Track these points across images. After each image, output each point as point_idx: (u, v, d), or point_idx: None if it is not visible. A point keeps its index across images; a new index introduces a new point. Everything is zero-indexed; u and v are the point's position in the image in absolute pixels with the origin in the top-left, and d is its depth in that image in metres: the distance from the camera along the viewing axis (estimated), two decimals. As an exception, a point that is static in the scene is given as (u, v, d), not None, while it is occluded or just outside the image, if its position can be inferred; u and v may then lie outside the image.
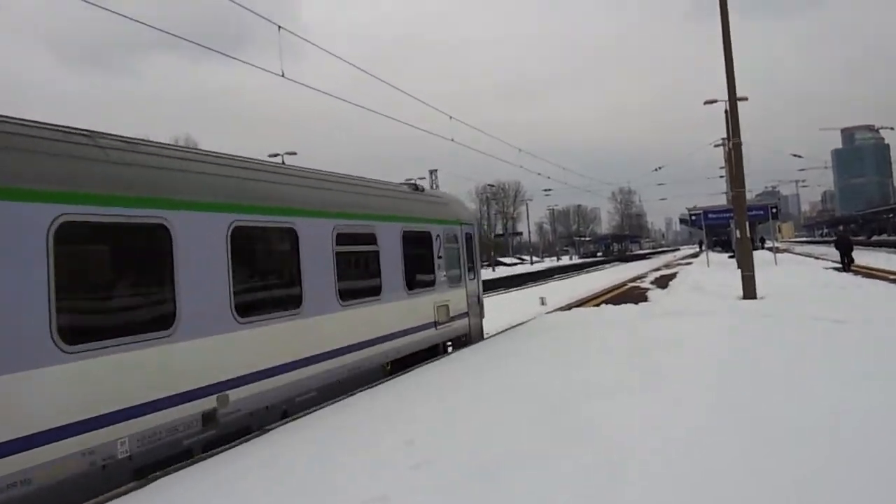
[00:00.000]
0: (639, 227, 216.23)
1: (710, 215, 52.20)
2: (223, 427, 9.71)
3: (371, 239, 13.96)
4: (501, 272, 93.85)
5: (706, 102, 45.48)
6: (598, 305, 27.83)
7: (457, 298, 17.60)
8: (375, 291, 13.90)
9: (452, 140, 33.01)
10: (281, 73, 16.89)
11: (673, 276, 47.30)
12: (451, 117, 31.25)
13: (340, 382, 12.41)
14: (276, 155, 73.47)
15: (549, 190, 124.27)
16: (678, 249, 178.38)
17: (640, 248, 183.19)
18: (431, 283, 16.35)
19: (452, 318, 17.18)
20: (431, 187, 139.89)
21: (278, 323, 10.94)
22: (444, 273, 17.00)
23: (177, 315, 9.10)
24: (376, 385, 12.76)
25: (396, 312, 14.53)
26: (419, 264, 16.19)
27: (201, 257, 9.63)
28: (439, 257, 16.82)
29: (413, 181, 17.70)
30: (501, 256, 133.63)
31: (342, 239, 12.87)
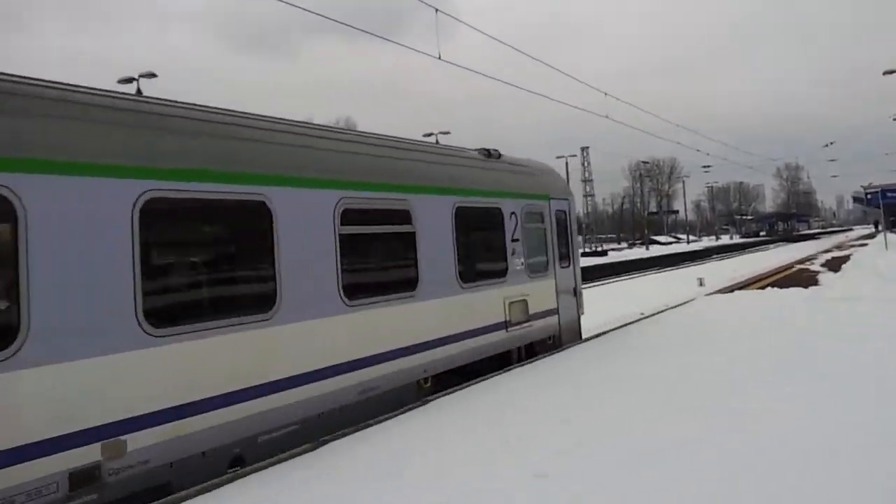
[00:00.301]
0: (807, 206, 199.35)
1: (888, 193, 45.85)
2: (114, 488, 6.54)
3: (403, 216, 10.44)
4: (655, 251, 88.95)
5: (886, 73, 39.05)
6: (762, 288, 24.97)
7: (540, 291, 13.77)
8: (408, 285, 10.39)
9: (607, 117, 32.80)
10: (437, 56, 16.51)
11: (846, 258, 41.80)
12: (605, 94, 30.83)
13: (343, 409, 9.03)
14: (430, 134, 72.27)
15: (709, 167, 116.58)
16: (851, 230, 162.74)
17: (809, 228, 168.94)
18: (501, 273, 12.64)
19: (533, 317, 13.39)
20: (583, 165, 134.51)
21: (230, 333, 7.66)
22: (522, 260, 13.22)
23: (22, 326, 5.99)
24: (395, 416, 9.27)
25: (442, 312, 10.95)
26: (482, 249, 12.54)
27: (79, 243, 6.46)
28: (514, 240, 13.06)
29: (493, 148, 13.95)
30: (655, 235, 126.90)
31: (352, 217, 9.43)
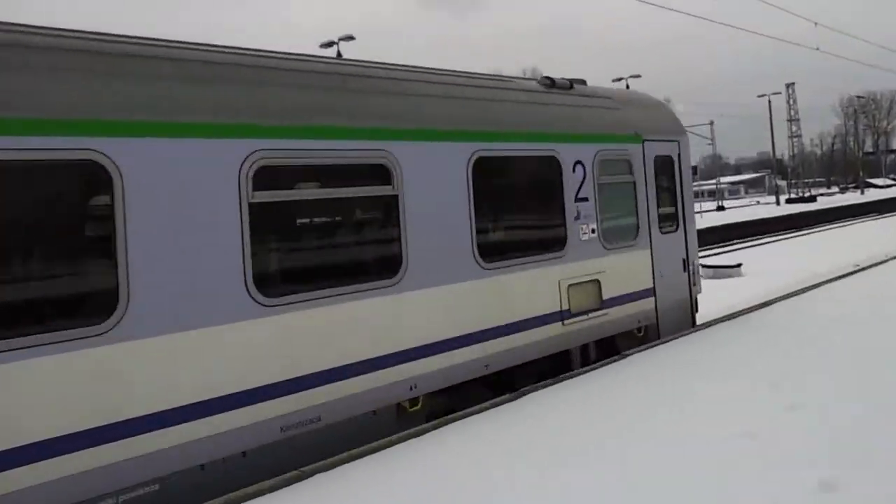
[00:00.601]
0: None
1: None
2: None
3: (377, 174, 7.31)
4: (872, 195, 79.23)
5: None
6: None
7: (624, 267, 10.09)
8: (384, 271, 7.27)
9: (817, 49, 31.32)
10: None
11: None
12: (815, 24, 29.86)
13: (253, 454, 6.22)
14: (619, 79, 68.03)
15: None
16: None
17: None
18: (555, 246, 9.14)
19: (610, 302, 9.77)
20: (788, 103, 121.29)
21: (17, 360, 5.05)
22: (592, 226, 9.62)
23: None
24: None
25: (445, 305, 7.75)
26: (523, 214, 9.15)
27: None
28: (580, 199, 9.48)
29: (565, 77, 10.44)
30: (871, 177, 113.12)
31: (275, 178, 6.49)
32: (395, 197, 7.36)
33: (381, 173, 7.31)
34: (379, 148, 7.26)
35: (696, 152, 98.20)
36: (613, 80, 70.09)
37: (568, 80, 10.30)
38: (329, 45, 41.74)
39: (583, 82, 11.18)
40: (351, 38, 42.30)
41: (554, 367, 9.05)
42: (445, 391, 7.85)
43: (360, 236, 7.40)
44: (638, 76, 69.95)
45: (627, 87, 68.79)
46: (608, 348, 9.93)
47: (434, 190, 7.73)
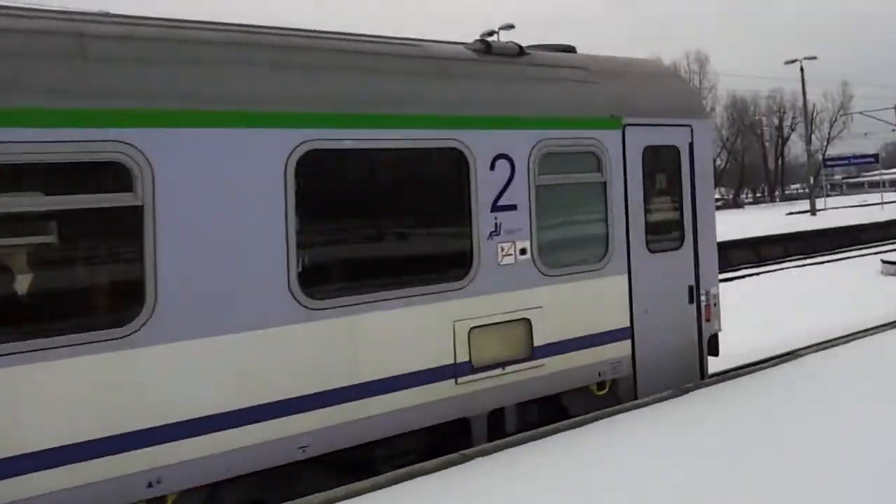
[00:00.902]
0: None
1: None
2: None
3: (108, 177, 4.94)
4: None
5: None
6: None
7: (578, 300, 7.00)
8: (107, 317, 4.86)
9: None
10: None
11: None
12: None
13: None
14: (793, 61, 62.39)
15: None
16: None
17: None
18: (451, 273, 6.27)
19: (545, 351, 6.81)
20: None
21: None
22: (522, 244, 6.60)
23: None
24: None
25: (222, 363, 5.24)
26: (391, 229, 6.35)
27: None
28: (502, 208, 6.58)
29: (536, 44, 7.66)
30: None
31: None
32: (139, 209, 4.96)
33: (113, 175, 4.94)
34: (109, 139, 4.87)
35: (879, 139, 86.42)
36: (786, 63, 63.65)
37: (518, 45, 7.37)
38: (489, 34, 40.20)
39: (569, 49, 8.22)
40: (511, 27, 40.71)
41: (448, 438, 6.37)
42: (244, 480, 5.42)
43: (59, 269, 5.00)
44: (813, 58, 63.05)
45: (802, 70, 61.84)
46: (550, 411, 7.06)
47: (216, 198, 5.25)
